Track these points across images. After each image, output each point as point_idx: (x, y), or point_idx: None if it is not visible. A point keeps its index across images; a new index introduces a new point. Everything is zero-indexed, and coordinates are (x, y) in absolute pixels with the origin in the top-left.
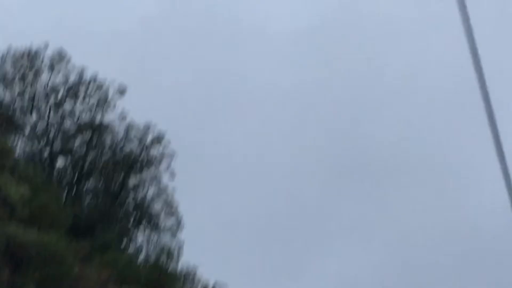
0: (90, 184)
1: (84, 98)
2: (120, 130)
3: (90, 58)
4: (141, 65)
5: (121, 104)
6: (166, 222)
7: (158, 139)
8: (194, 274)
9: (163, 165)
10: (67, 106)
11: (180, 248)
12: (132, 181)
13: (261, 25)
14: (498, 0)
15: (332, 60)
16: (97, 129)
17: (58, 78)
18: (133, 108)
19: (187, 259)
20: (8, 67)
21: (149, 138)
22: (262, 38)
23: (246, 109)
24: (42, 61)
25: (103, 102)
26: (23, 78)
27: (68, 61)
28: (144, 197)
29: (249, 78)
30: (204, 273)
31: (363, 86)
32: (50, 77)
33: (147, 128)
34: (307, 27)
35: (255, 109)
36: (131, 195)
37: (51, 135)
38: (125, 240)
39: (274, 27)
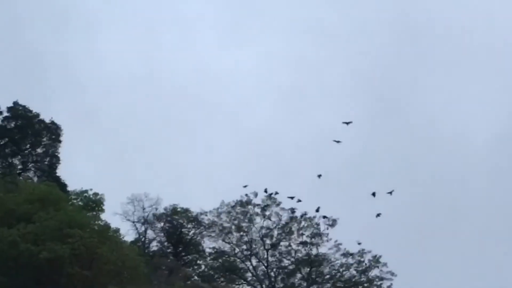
0: None
1: (297, 234)
2: (336, 258)
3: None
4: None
5: (333, 235)
6: None
7: (375, 262)
8: None
9: (383, 286)
10: (283, 245)
11: None
12: None
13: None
14: None
15: None
16: (315, 262)
17: (271, 221)
18: (345, 236)
19: None
20: (224, 218)
21: (366, 262)
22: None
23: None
24: (254, 208)
25: (316, 235)
26: (238, 226)
27: (278, 203)
28: None
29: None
30: None
31: None
32: (263, 221)
33: (362, 254)
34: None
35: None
36: None
37: (271, 275)
38: None
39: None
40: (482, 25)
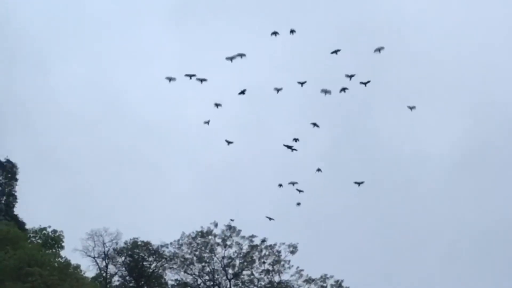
0: None
1: (259, 263)
2: (299, 284)
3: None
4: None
5: (295, 261)
6: None
7: (337, 287)
8: None
9: None
10: (245, 274)
11: None
12: None
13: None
14: None
15: None
16: None
17: (232, 250)
18: (306, 263)
19: None
20: (185, 249)
21: (328, 287)
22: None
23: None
24: (214, 238)
25: (278, 263)
26: (200, 257)
27: (238, 232)
28: None
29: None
30: None
31: None
32: (224, 251)
33: (324, 279)
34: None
35: None
36: None
37: None
38: None
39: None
40: (439, 52)
